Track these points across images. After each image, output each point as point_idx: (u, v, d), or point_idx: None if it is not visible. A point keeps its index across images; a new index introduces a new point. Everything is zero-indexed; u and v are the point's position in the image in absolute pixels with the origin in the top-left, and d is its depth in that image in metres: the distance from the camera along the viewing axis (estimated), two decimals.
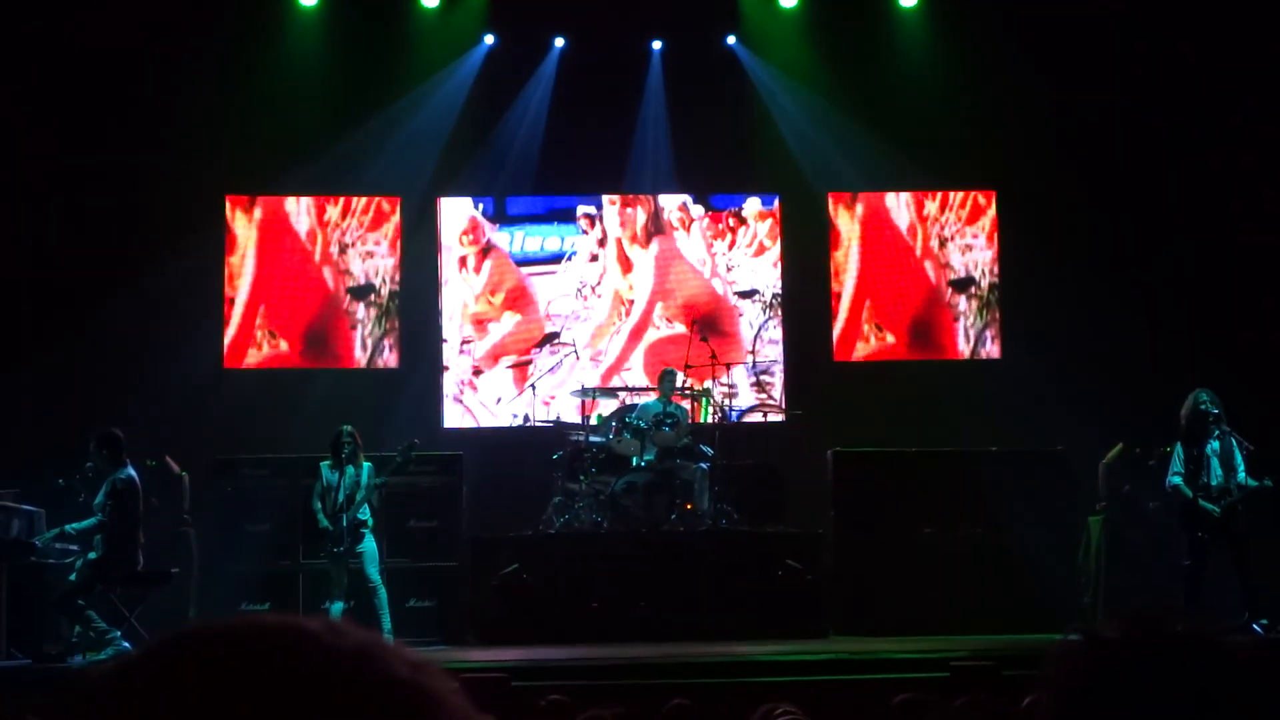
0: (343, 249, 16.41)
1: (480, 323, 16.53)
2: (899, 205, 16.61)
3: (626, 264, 16.61)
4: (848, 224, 16.60)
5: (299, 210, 16.37)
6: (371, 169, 16.17)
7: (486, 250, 16.60)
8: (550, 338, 16.36)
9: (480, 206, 16.53)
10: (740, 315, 16.61)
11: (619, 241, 16.61)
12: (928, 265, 16.57)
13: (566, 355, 16.24)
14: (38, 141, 15.31)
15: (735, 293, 16.59)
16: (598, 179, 16.65)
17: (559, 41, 16.56)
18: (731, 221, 16.67)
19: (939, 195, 16.57)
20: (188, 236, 15.74)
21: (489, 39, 16.54)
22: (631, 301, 16.50)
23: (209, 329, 15.98)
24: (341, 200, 16.40)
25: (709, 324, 16.05)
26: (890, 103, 16.31)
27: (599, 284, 16.52)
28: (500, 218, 16.57)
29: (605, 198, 16.63)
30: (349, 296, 16.41)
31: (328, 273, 16.39)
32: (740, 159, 16.61)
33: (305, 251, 16.34)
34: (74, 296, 15.30)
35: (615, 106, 16.51)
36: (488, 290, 16.54)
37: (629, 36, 16.53)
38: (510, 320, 16.53)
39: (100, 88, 15.41)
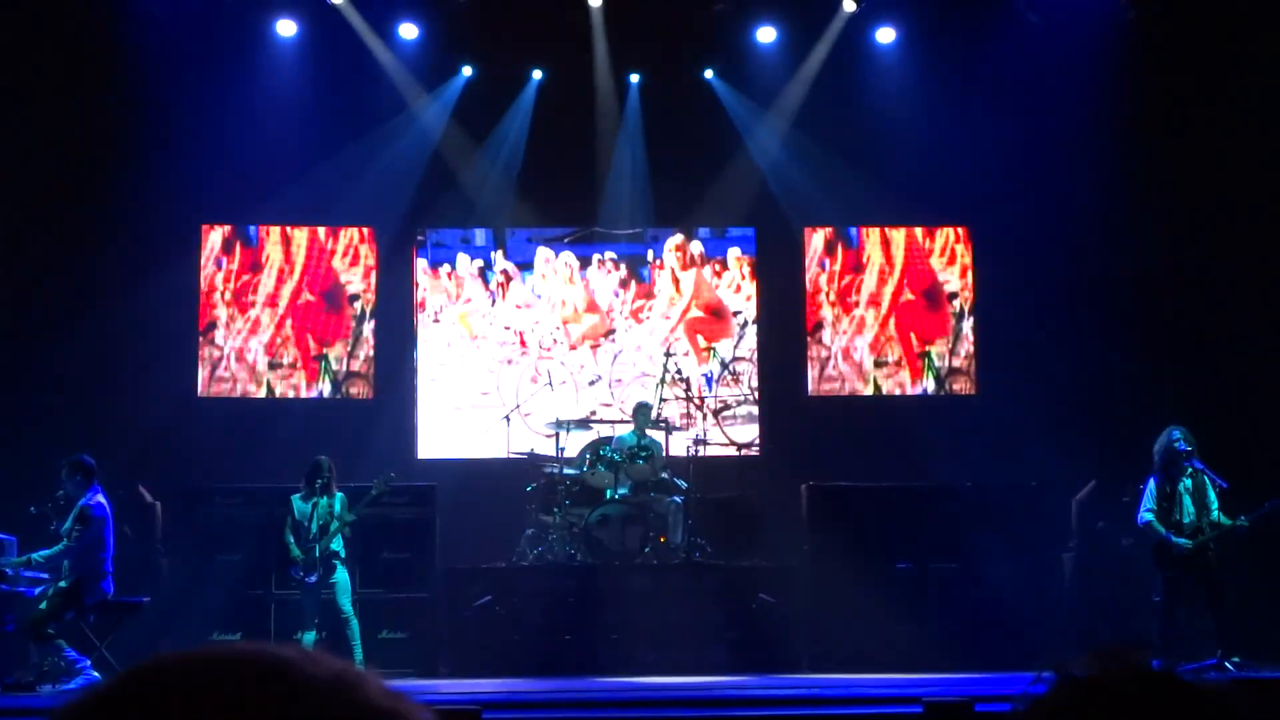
0: (319, 279, 16.36)
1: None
2: (875, 240, 16.67)
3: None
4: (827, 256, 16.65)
5: (275, 239, 16.33)
6: (348, 199, 16.12)
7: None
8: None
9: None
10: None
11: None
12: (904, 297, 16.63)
13: (542, 386, 16.21)
14: (8, 169, 15.25)
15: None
16: (575, 212, 16.66)
17: (537, 74, 16.58)
18: (716, 267, 16.75)
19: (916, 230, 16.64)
20: (162, 264, 15.70)
21: (467, 71, 16.54)
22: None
23: (182, 358, 15.92)
24: (319, 230, 16.37)
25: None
26: (867, 138, 16.34)
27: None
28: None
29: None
30: (324, 326, 16.35)
31: (304, 302, 16.33)
32: (717, 193, 16.63)
33: (281, 280, 16.30)
34: (47, 324, 15.25)
35: (593, 140, 16.52)
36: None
37: (607, 69, 16.54)
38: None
39: (75, 116, 15.36)
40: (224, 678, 1.09)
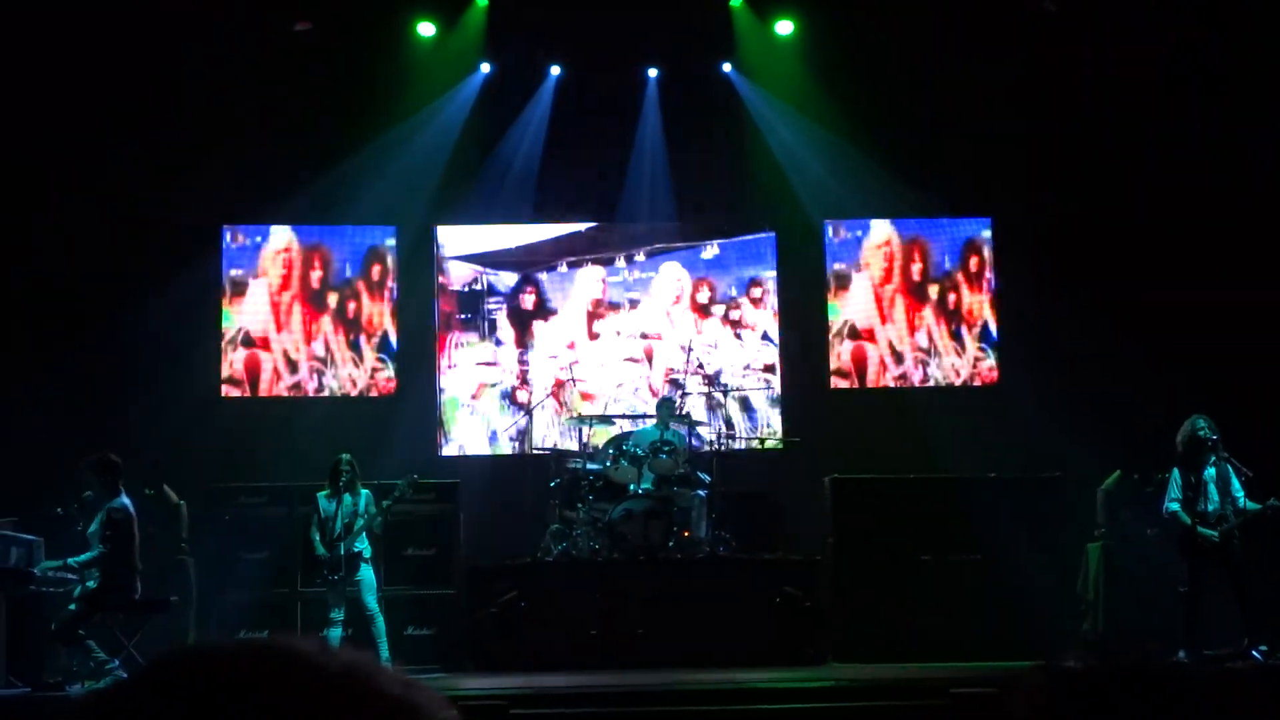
0: (340, 277, 16.40)
1: None
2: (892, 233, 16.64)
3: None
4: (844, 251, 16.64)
5: (297, 238, 16.37)
6: (368, 197, 16.16)
7: None
8: None
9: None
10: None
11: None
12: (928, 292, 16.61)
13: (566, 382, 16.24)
14: (32, 170, 15.31)
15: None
16: (594, 207, 16.68)
17: (555, 70, 16.59)
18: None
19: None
20: (184, 264, 15.75)
21: (485, 67, 16.55)
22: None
23: (206, 357, 15.98)
24: (340, 229, 16.41)
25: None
26: (887, 130, 16.29)
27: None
28: None
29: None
30: (346, 324, 16.39)
31: (326, 301, 16.38)
32: (736, 186, 16.62)
33: (302, 280, 16.34)
34: (71, 325, 15.29)
35: (611, 135, 16.52)
36: None
37: (625, 64, 16.55)
38: None
39: (94, 117, 15.42)
40: (238, 669, 1.12)
